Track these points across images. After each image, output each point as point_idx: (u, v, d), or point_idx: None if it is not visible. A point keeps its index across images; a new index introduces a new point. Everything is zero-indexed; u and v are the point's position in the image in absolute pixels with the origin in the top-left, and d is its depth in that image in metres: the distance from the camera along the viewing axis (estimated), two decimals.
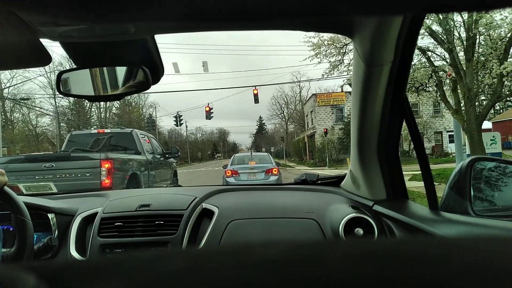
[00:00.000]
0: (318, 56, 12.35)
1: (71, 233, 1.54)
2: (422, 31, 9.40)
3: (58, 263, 0.29)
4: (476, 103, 10.82)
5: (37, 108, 32.62)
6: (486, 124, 23.85)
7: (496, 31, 10.02)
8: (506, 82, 10.32)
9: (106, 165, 6.37)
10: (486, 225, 0.94)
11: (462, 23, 10.25)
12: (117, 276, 0.25)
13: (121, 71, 0.99)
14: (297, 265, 0.25)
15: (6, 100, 30.72)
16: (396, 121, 1.23)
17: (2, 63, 0.69)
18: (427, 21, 9.71)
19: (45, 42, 0.65)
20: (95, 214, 1.58)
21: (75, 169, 6.35)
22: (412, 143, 1.27)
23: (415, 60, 11.04)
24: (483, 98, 13.46)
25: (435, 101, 12.19)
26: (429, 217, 1.11)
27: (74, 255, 1.48)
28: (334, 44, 11.99)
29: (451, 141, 23.89)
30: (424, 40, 11.06)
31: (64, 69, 1.05)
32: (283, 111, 58.13)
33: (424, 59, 11.27)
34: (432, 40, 10.81)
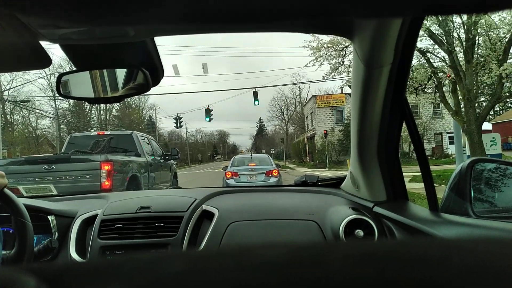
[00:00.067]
0: (319, 59, 12.38)
1: (71, 235, 1.54)
2: (421, 32, 9.41)
3: (58, 265, 0.29)
4: (476, 105, 10.82)
5: (37, 110, 32.65)
6: (486, 125, 23.84)
7: (495, 32, 10.03)
8: (505, 83, 10.33)
9: (106, 167, 6.37)
10: (486, 226, 0.94)
11: (462, 25, 10.27)
12: (117, 278, 0.25)
13: (121, 73, 0.99)
14: (298, 267, 0.25)
15: (6, 102, 30.76)
16: (396, 123, 1.23)
17: (2, 65, 0.69)
18: (427, 23, 9.72)
19: (45, 44, 0.65)
20: (95, 216, 1.58)
21: (75, 171, 6.35)
22: (412, 145, 1.27)
23: (414, 61, 11.06)
24: (483, 99, 13.47)
25: (434, 101, 12.19)
26: (429, 219, 1.11)
27: (74, 257, 1.48)
28: (334, 47, 12.01)
29: (451, 143, 23.87)
30: (423, 42, 11.09)
31: (64, 71, 1.05)
32: (283, 113, 58.24)
33: (423, 60, 11.28)
34: (432, 42, 10.83)
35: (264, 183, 9.85)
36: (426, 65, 11.21)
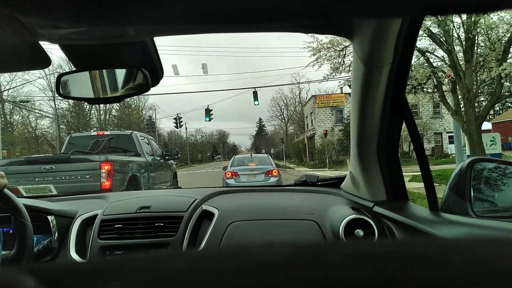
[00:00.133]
0: (319, 60, 12.39)
1: (71, 235, 1.54)
2: (421, 32, 9.42)
3: (58, 265, 0.29)
4: (476, 104, 10.83)
5: (37, 110, 32.67)
6: (486, 125, 23.87)
7: (494, 31, 10.04)
8: (505, 83, 10.33)
9: (106, 167, 6.37)
10: (486, 226, 0.94)
11: (461, 24, 10.27)
12: (117, 278, 0.25)
13: (120, 73, 0.99)
14: (297, 267, 0.25)
15: (6, 103, 30.75)
16: (395, 122, 1.23)
17: (1, 66, 0.69)
18: (426, 22, 9.73)
19: (44, 44, 0.65)
20: (95, 216, 1.58)
21: (75, 171, 6.35)
22: (412, 144, 1.27)
23: (414, 60, 11.06)
24: (482, 99, 13.48)
25: (433, 100, 12.21)
26: (429, 218, 1.11)
27: (74, 257, 1.48)
28: (334, 47, 12.02)
29: (451, 142, 23.88)
30: (423, 41, 11.09)
31: (64, 71, 1.05)
32: (283, 113, 58.25)
33: (423, 59, 11.28)
34: (431, 42, 10.84)
35: (264, 183, 9.85)
36: (426, 64, 11.22)
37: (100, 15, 0.33)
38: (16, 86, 30.06)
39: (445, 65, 10.99)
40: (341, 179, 1.83)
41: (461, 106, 10.84)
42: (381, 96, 1.15)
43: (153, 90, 1.01)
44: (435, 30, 10.42)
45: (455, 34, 10.51)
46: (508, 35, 9.84)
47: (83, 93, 1.02)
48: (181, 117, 29.95)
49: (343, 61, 12.12)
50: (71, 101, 30.04)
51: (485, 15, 9.16)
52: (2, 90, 30.98)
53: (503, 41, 9.97)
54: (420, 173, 1.20)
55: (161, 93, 30.26)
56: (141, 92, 0.98)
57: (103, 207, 1.63)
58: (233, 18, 0.36)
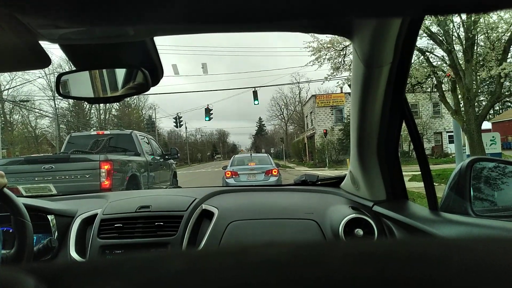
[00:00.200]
0: (319, 60, 12.39)
1: (70, 234, 1.54)
2: (420, 31, 9.41)
3: (58, 264, 0.29)
4: (476, 104, 10.83)
5: (37, 110, 32.66)
6: (486, 125, 23.87)
7: (494, 31, 10.04)
8: (505, 82, 10.33)
9: (106, 167, 6.36)
10: (486, 225, 0.94)
11: (461, 24, 10.27)
12: (117, 277, 0.25)
13: (120, 73, 0.99)
14: (297, 266, 0.25)
15: (6, 102, 30.73)
16: (395, 122, 1.23)
17: (1, 65, 0.69)
18: (426, 22, 9.73)
19: (44, 44, 0.65)
20: (95, 215, 1.58)
21: (75, 171, 6.35)
22: (412, 144, 1.27)
23: (414, 58, 11.05)
24: (482, 98, 13.47)
25: (431, 99, 12.20)
26: (429, 218, 1.11)
27: (74, 256, 1.48)
28: (334, 47, 12.01)
29: (450, 142, 23.89)
30: (423, 41, 11.09)
31: (64, 71, 1.05)
32: (283, 112, 58.26)
33: (422, 58, 11.28)
34: (431, 41, 10.84)
35: (264, 183, 9.85)
36: (425, 63, 11.22)
37: (100, 15, 0.33)
38: (16, 86, 30.11)
39: (444, 65, 10.99)
40: (341, 178, 1.83)
41: (461, 105, 10.84)
42: (381, 96, 1.15)
43: (153, 89, 1.01)
44: (435, 29, 10.42)
45: (455, 34, 10.52)
46: (508, 35, 9.84)
47: (83, 92, 1.02)
48: (181, 117, 29.97)
49: (344, 61, 12.13)
50: (71, 101, 30.07)
51: (485, 15, 9.16)
52: (2, 89, 31.01)
53: (503, 41, 9.97)
54: (420, 172, 1.20)
55: (161, 93, 30.32)
56: (141, 92, 0.98)
57: (103, 206, 1.63)
58: (233, 18, 0.36)
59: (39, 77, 33.39)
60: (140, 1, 0.32)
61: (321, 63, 12.51)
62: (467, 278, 0.23)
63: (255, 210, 1.59)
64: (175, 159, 10.61)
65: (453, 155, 15.48)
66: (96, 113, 40.47)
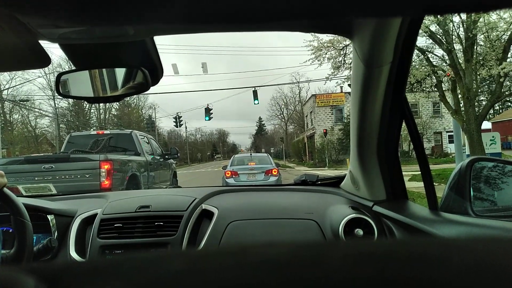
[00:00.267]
0: (319, 59, 12.39)
1: (70, 234, 1.54)
2: (420, 31, 9.41)
3: (58, 264, 0.29)
4: (476, 103, 10.84)
5: (37, 110, 32.66)
6: (486, 124, 23.86)
7: (494, 30, 10.04)
8: (505, 82, 10.34)
9: (106, 166, 6.36)
10: (486, 225, 0.94)
11: (461, 24, 10.28)
12: (116, 277, 0.25)
13: (120, 72, 0.99)
14: (297, 266, 0.25)
15: (6, 102, 30.73)
16: (395, 122, 1.23)
17: (1, 65, 0.69)
18: (426, 22, 9.72)
19: (44, 43, 0.65)
20: (95, 215, 1.58)
21: (75, 170, 6.35)
22: (411, 144, 1.27)
23: (414, 57, 11.05)
24: (482, 98, 13.48)
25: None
26: (428, 218, 1.11)
27: (74, 256, 1.48)
28: (334, 46, 12.02)
29: (450, 142, 23.90)
30: (423, 41, 11.09)
31: (63, 70, 1.05)
32: (283, 112, 58.26)
33: (422, 57, 11.28)
34: (431, 41, 10.84)
35: (264, 182, 9.85)
36: (425, 62, 11.22)
37: (100, 14, 0.33)
38: (15, 85, 30.09)
39: (444, 64, 11.00)
40: (340, 178, 1.83)
41: (461, 105, 10.85)
42: (381, 95, 1.15)
43: (153, 89, 1.01)
44: (434, 29, 10.42)
45: (454, 33, 10.52)
46: (508, 34, 9.84)
47: (83, 92, 1.02)
48: (181, 116, 29.95)
49: (344, 60, 12.13)
50: (70, 100, 30.05)
51: (485, 14, 9.16)
52: (2, 89, 31.00)
53: (503, 41, 9.97)
54: (419, 172, 1.20)
55: (161, 92, 30.35)
56: (141, 91, 0.98)
57: (102, 206, 1.63)
58: (233, 18, 0.36)
59: (39, 77, 33.40)
60: (140, 1, 0.32)
61: (321, 62, 12.52)
62: (467, 278, 0.23)
63: (255, 210, 1.59)
64: (175, 159, 10.61)
65: (453, 155, 15.49)
66: (96, 112, 40.52)
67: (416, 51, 10.75)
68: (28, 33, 0.56)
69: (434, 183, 1.21)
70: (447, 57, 10.77)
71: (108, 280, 0.24)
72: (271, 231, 1.48)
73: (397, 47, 1.00)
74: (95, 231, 1.51)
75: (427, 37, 10.63)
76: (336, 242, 0.89)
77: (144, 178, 7.82)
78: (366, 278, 0.23)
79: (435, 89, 11.74)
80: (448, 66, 10.73)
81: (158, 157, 9.10)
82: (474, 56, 10.33)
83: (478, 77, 10.57)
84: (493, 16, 9.60)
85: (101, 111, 40.49)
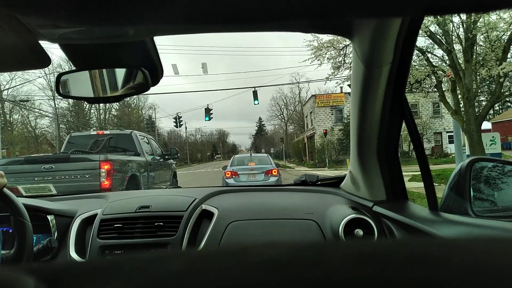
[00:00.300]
0: (318, 59, 12.40)
1: (70, 234, 1.54)
2: (420, 31, 9.41)
3: (58, 264, 0.29)
4: (476, 104, 10.83)
5: (37, 110, 32.67)
6: (486, 125, 23.88)
7: (494, 30, 10.04)
8: (504, 82, 10.34)
9: (106, 167, 6.36)
10: (486, 225, 0.94)
11: (461, 24, 10.28)
12: (116, 277, 0.25)
13: (120, 72, 0.99)
14: (297, 266, 0.25)
15: (6, 102, 30.74)
16: (395, 122, 1.23)
17: (1, 65, 0.69)
18: (426, 22, 9.72)
19: (44, 44, 0.65)
20: (95, 215, 1.58)
21: (75, 171, 6.35)
22: (411, 144, 1.27)
23: (414, 58, 11.04)
24: (482, 98, 13.48)
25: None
26: (428, 218, 1.11)
27: (74, 256, 1.48)
28: (334, 46, 12.03)
29: (450, 142, 23.90)
30: (423, 41, 11.08)
31: (64, 71, 1.05)
32: (283, 112, 58.30)
33: (422, 57, 11.28)
34: (431, 41, 10.84)
35: (264, 183, 9.85)
36: (424, 62, 11.22)
37: (100, 15, 0.33)
38: (16, 86, 30.10)
39: (444, 65, 11.00)
40: (340, 178, 1.83)
41: (461, 105, 10.85)
42: (381, 96, 1.15)
43: (153, 89, 1.01)
44: (434, 29, 10.42)
45: (454, 34, 10.52)
46: (508, 34, 9.84)
47: (83, 92, 1.02)
48: (181, 117, 29.95)
49: (344, 60, 12.13)
50: (70, 101, 30.05)
51: (485, 15, 9.16)
52: (2, 89, 31.01)
53: (503, 41, 9.97)
54: (419, 172, 1.20)
55: (161, 93, 30.32)
56: (141, 92, 0.98)
57: (102, 206, 1.63)
58: (233, 18, 0.36)
59: (39, 77, 33.46)
60: (140, 1, 0.32)
61: (321, 62, 12.52)
62: (467, 278, 0.23)
63: (255, 210, 1.59)
64: (175, 159, 10.61)
65: (453, 155, 15.49)
66: (96, 113, 40.53)
67: (416, 52, 10.75)
68: (28, 33, 0.56)
69: (434, 184, 1.21)
70: (447, 58, 10.77)
71: (108, 280, 0.24)
72: (271, 231, 1.48)
73: (397, 47, 1.00)
74: (95, 231, 1.51)
75: (427, 38, 10.63)
76: (336, 242, 0.89)
77: (144, 178, 7.82)
78: (366, 278, 0.23)
79: (435, 89, 11.73)
80: (448, 67, 10.73)
81: (158, 158, 9.10)
82: (474, 57, 10.33)
83: (478, 77, 10.57)
84: (493, 16, 9.61)
85: (101, 111, 40.55)
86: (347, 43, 11.26)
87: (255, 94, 19.74)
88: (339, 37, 10.34)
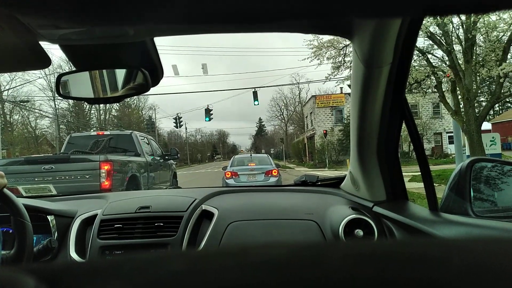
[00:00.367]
0: (318, 58, 12.40)
1: (70, 235, 1.54)
2: (420, 32, 9.41)
3: (58, 265, 0.29)
4: (476, 104, 10.83)
5: (37, 110, 32.69)
6: (486, 125, 23.85)
7: (494, 31, 10.04)
8: (504, 83, 10.33)
9: (106, 167, 6.36)
10: (486, 226, 0.94)
11: (461, 25, 10.27)
12: (116, 278, 0.25)
13: (120, 73, 0.99)
14: (297, 267, 0.25)
15: (6, 103, 30.75)
16: (395, 122, 1.23)
17: (1, 66, 0.69)
18: (426, 23, 9.72)
19: (44, 44, 0.65)
20: (95, 216, 1.58)
21: (75, 171, 6.35)
22: (411, 144, 1.27)
23: (414, 59, 11.04)
24: (482, 99, 13.48)
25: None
26: (429, 218, 1.11)
27: (74, 257, 1.48)
28: (334, 46, 12.03)
29: (450, 142, 23.89)
30: (422, 41, 11.09)
31: (64, 71, 1.05)
32: (283, 113, 58.29)
33: (422, 58, 11.27)
34: (431, 42, 10.84)
35: (264, 183, 9.85)
36: (424, 63, 11.22)
37: (100, 15, 0.33)
38: (16, 86, 30.12)
39: (444, 65, 10.99)
40: (340, 179, 1.83)
41: (461, 106, 10.84)
42: (381, 96, 1.15)
43: (153, 90, 1.01)
44: (434, 30, 10.42)
45: (454, 34, 10.52)
46: (508, 35, 9.84)
47: (83, 93, 1.02)
48: (181, 117, 29.97)
49: (344, 60, 12.13)
50: (71, 101, 30.02)
51: (485, 15, 9.16)
52: (2, 90, 31.01)
53: (503, 41, 9.97)
54: (419, 173, 1.20)
55: (161, 93, 30.38)
56: (141, 92, 0.98)
57: (102, 207, 1.63)
58: (233, 18, 0.36)
59: (39, 78, 33.44)
60: (140, 1, 0.32)
61: (321, 61, 12.52)
62: (467, 278, 0.23)
63: (255, 211, 1.59)
64: (175, 160, 10.61)
65: (453, 155, 15.48)
66: (96, 113, 40.53)
67: (416, 52, 10.75)
68: (28, 34, 0.56)
69: (434, 184, 1.21)
70: (446, 58, 10.76)
71: (108, 280, 0.24)
72: (271, 231, 1.48)
73: (397, 47, 1.00)
74: (95, 231, 1.51)
75: (427, 38, 10.63)
76: (336, 242, 0.89)
77: (144, 178, 7.82)
78: (366, 279, 0.23)
79: (435, 90, 11.73)
80: (448, 67, 10.72)
81: (158, 158, 9.10)
82: (474, 57, 10.33)
83: (478, 78, 10.56)
84: (493, 16, 9.61)
85: (101, 112, 40.55)
86: (347, 42, 11.26)
87: (255, 95, 19.74)
88: (339, 37, 10.34)
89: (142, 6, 0.32)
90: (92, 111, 39.66)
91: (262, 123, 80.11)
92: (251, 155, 13.21)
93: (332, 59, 12.32)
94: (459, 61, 10.41)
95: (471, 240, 0.31)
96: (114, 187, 6.47)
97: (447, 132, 26.35)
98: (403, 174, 1.37)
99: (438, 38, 10.53)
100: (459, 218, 1.04)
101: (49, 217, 1.57)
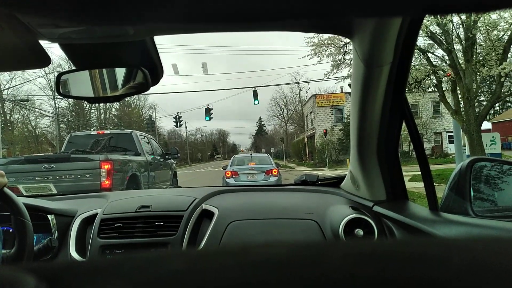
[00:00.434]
0: (318, 55, 12.39)
1: (71, 234, 1.54)
2: (420, 31, 9.41)
3: (58, 264, 0.29)
4: (476, 104, 10.83)
5: (37, 109, 32.69)
6: (486, 125, 23.87)
7: (494, 29, 10.03)
8: (505, 82, 10.33)
9: (106, 166, 6.36)
10: (486, 225, 0.94)
11: (461, 24, 10.27)
12: (117, 277, 0.25)
13: (120, 72, 0.99)
14: (297, 266, 0.25)
15: (6, 102, 30.74)
16: (395, 122, 1.23)
17: (1, 65, 0.69)
18: (426, 22, 9.71)
19: (44, 43, 0.65)
20: (95, 215, 1.58)
21: (75, 170, 6.35)
22: (412, 144, 1.27)
23: (414, 58, 11.03)
24: (482, 98, 13.47)
25: (431, 99, 12.21)
26: (429, 218, 1.11)
27: (74, 256, 1.48)
28: (334, 44, 12.03)
29: (450, 142, 23.89)
30: (423, 41, 11.08)
31: (64, 70, 1.05)
32: (283, 112, 58.28)
33: (422, 57, 11.27)
34: (431, 41, 10.83)
35: (264, 182, 9.86)
36: (424, 62, 11.21)
37: (100, 14, 0.33)
38: (16, 85, 30.12)
39: (444, 65, 10.99)
40: (341, 178, 1.83)
41: (461, 105, 10.84)
42: (381, 95, 1.15)
43: (153, 89, 1.01)
44: (434, 29, 10.41)
45: (454, 33, 10.51)
46: (508, 34, 9.84)
47: (83, 92, 1.02)
48: (181, 116, 29.94)
49: (344, 58, 12.12)
50: (71, 100, 30.04)
51: (485, 14, 9.15)
52: (2, 89, 31.02)
53: (503, 41, 9.96)
54: (420, 172, 1.20)
55: (161, 92, 30.41)
56: (141, 91, 0.98)
57: (103, 206, 1.63)
58: (233, 17, 0.36)
59: (39, 77, 33.45)
60: (140, 1, 0.32)
61: (321, 58, 12.51)
62: (467, 278, 0.23)
63: (255, 210, 1.59)
64: (175, 159, 10.61)
65: (453, 155, 15.48)
66: (96, 112, 40.53)
67: (416, 51, 10.74)
68: (28, 33, 0.56)
69: (434, 184, 1.21)
70: (447, 57, 10.76)
71: (109, 279, 0.25)
72: (271, 231, 1.48)
73: (397, 47, 1.00)
74: (95, 231, 1.51)
75: (427, 38, 10.62)
76: (336, 242, 0.89)
77: (144, 178, 7.82)
78: (366, 278, 0.23)
79: (435, 89, 11.73)
80: (448, 66, 10.72)
81: (158, 157, 9.10)
82: (474, 56, 10.32)
83: (478, 77, 10.56)
84: (493, 15, 9.60)
85: (101, 111, 40.55)
86: (347, 40, 11.25)
87: (255, 94, 19.74)
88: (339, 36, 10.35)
89: (142, 6, 0.32)
90: (92, 110, 39.72)
91: (262, 123, 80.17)
92: (251, 154, 13.21)
93: (332, 57, 12.32)
94: (460, 60, 10.41)
95: (471, 240, 0.31)
96: (114, 186, 6.47)
97: (447, 132, 26.34)
98: (403, 173, 1.37)
99: (439, 37, 10.52)
100: (459, 217, 1.04)
101: (50, 216, 1.58)
